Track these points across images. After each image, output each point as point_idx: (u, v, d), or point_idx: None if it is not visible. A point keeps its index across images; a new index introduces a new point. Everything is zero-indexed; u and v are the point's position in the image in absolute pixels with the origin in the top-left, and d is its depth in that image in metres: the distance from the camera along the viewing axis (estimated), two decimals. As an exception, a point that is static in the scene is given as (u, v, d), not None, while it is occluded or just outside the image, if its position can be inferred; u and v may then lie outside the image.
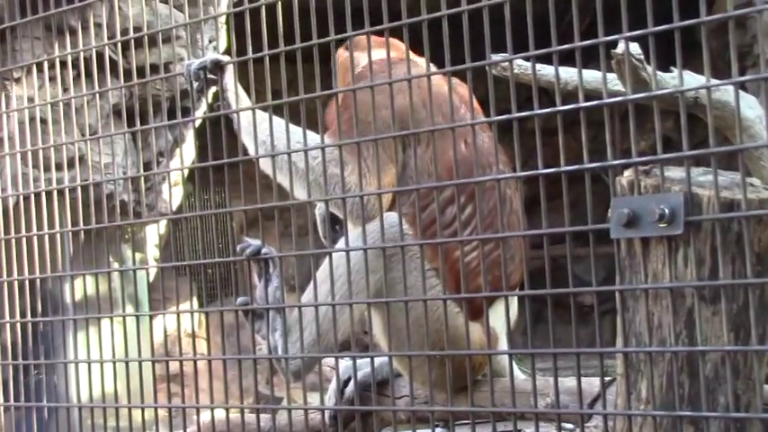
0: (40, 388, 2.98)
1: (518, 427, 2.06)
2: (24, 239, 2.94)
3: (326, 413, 3.06)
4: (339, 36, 2.31)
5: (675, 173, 1.90)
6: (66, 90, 2.97)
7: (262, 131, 2.60)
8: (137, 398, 2.63)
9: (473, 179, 2.22)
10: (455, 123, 2.25)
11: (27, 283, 2.95)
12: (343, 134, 2.65)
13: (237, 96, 2.79)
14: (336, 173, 2.72)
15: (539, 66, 2.19)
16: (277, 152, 2.63)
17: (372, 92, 2.36)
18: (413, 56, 2.53)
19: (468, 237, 2.79)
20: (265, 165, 2.81)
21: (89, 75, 2.87)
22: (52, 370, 2.97)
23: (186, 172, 2.99)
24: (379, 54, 2.63)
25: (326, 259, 2.61)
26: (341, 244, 2.61)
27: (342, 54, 2.85)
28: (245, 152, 2.66)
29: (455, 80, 2.73)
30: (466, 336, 2.23)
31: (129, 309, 3.07)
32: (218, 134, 2.52)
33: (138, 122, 2.83)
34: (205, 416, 3.24)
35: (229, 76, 2.79)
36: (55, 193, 2.90)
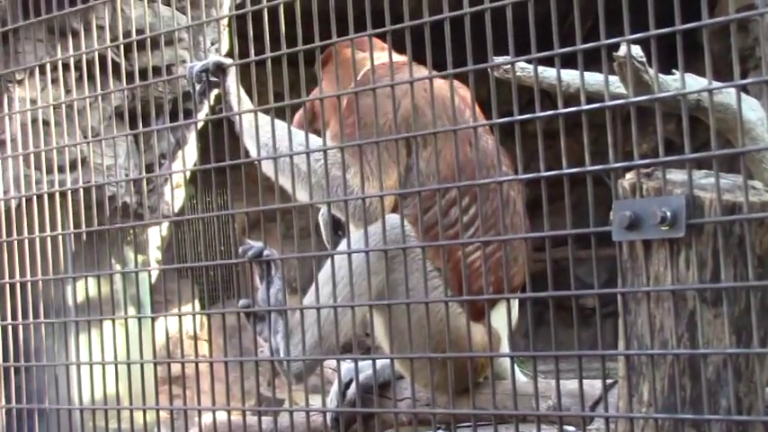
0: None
1: (520, 430, 2.06)
2: (26, 241, 2.94)
3: (328, 415, 3.07)
4: (341, 39, 2.31)
5: (677, 175, 1.90)
6: (68, 92, 2.96)
7: (264, 134, 2.60)
8: (138, 400, 2.63)
9: (475, 181, 2.22)
10: (457, 126, 2.24)
11: (29, 285, 2.95)
12: (346, 137, 2.65)
13: (239, 99, 2.79)
14: (339, 175, 2.72)
15: (541, 68, 2.19)
16: (279, 154, 2.63)
17: (375, 95, 2.36)
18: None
19: (470, 239, 2.79)
20: (267, 167, 2.81)
21: (91, 77, 2.87)
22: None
23: (188, 174, 2.99)
24: (378, 57, 2.63)
25: (328, 261, 2.61)
26: (343, 246, 2.61)
27: (342, 50, 2.84)
28: (247, 154, 2.66)
29: (456, 83, 2.73)
30: (468, 338, 2.23)
31: (131, 311, 3.07)
32: (220, 136, 2.52)
33: (141, 124, 2.82)
34: (207, 418, 3.25)
35: (231, 79, 2.79)
36: (57, 194, 2.90)
